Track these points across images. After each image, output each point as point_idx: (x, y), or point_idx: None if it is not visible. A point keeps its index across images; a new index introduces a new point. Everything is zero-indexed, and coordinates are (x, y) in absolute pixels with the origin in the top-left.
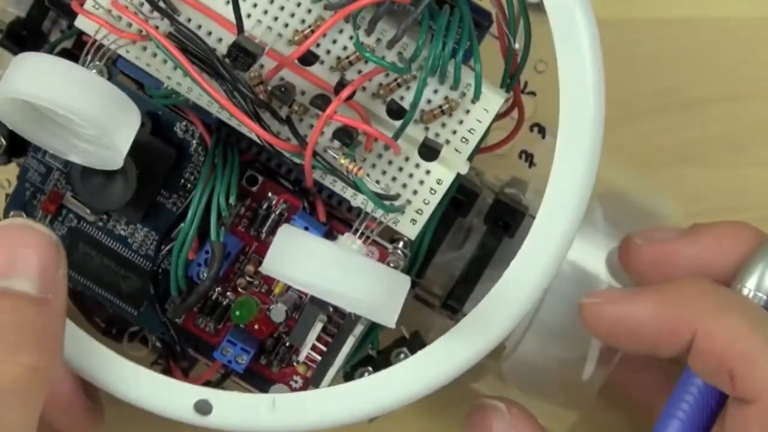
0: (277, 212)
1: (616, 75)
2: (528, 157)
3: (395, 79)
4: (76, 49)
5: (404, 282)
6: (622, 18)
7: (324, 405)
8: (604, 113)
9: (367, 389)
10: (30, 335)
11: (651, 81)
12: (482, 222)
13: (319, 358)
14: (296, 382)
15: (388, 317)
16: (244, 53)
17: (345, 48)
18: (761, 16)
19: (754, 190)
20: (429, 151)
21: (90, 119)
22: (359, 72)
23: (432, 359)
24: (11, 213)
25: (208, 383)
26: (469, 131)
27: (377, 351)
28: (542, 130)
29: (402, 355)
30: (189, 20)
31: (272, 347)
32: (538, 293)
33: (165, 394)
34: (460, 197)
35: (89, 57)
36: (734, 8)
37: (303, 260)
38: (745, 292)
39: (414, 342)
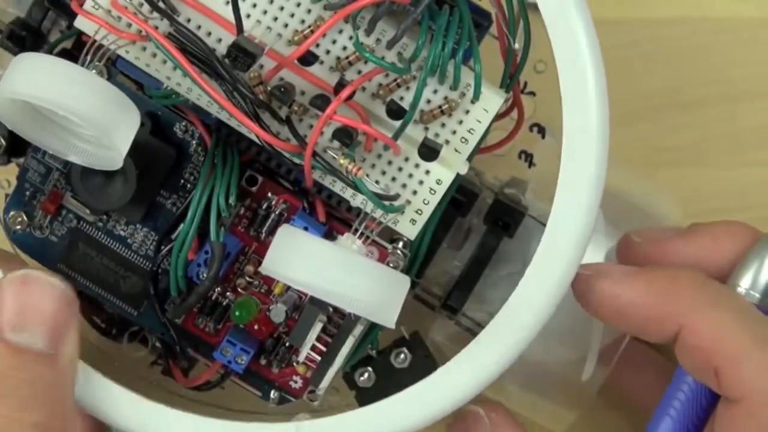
0: (277, 212)
1: (615, 75)
2: (528, 157)
3: (395, 80)
4: (76, 50)
5: (404, 282)
6: (621, 18)
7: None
8: (608, 115)
9: (390, 409)
10: (38, 392)
11: (650, 81)
12: (482, 222)
13: (318, 358)
14: (296, 382)
15: (388, 317)
16: (243, 53)
17: (345, 48)
18: (760, 16)
19: (754, 191)
20: (429, 152)
21: (90, 120)
22: (359, 72)
23: (454, 377)
24: (11, 213)
25: (208, 383)
26: (469, 131)
27: (377, 351)
28: (542, 130)
29: (402, 356)
30: (188, 20)
31: (272, 347)
32: (553, 306)
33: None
34: (459, 197)
35: (89, 57)
36: (733, 8)
37: (302, 260)
38: (739, 290)
39: (413, 342)
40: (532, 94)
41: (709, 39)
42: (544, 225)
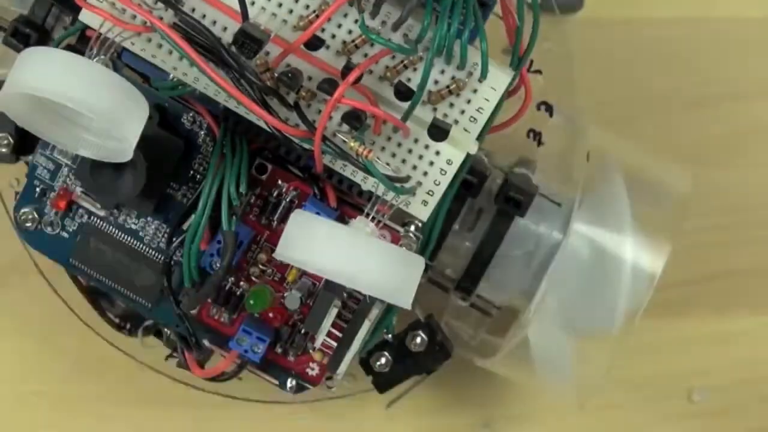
0: (288, 199)
1: (615, 75)
2: (536, 136)
3: (401, 61)
4: (80, 45)
5: (419, 263)
6: (622, 18)
7: None
8: None
9: None
10: None
11: (650, 81)
12: (493, 202)
13: (334, 344)
14: (313, 369)
15: (404, 299)
16: (250, 40)
17: (350, 32)
18: (761, 16)
19: (754, 191)
20: (438, 132)
21: (100, 112)
22: (365, 55)
23: None
24: (22, 210)
25: (223, 374)
26: (478, 110)
27: (393, 335)
28: (550, 109)
29: (418, 339)
30: (193, 10)
31: (287, 335)
32: None
33: None
34: (470, 178)
35: (94, 51)
36: (733, 8)
37: (317, 244)
38: None
39: (429, 325)
40: (539, 72)
41: (709, 39)
42: (556, 204)
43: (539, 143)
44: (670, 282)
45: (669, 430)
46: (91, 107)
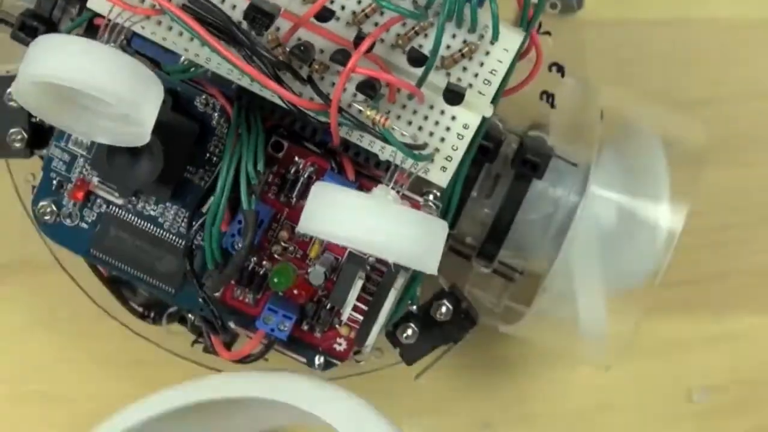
0: (306, 175)
1: (614, 75)
2: (549, 98)
3: (412, 28)
4: (88, 36)
5: (442, 227)
6: (621, 18)
7: None
8: None
9: None
10: None
11: (649, 82)
12: (509, 167)
13: (360, 317)
14: (340, 344)
15: (430, 264)
16: (261, 14)
17: (359, 1)
18: (760, 16)
19: (752, 191)
20: (453, 96)
21: (122, 98)
22: (375, 24)
23: None
24: (39, 204)
25: (249, 356)
26: (491, 72)
27: (417, 307)
28: (561, 69)
29: (443, 308)
30: None
31: (313, 312)
32: None
33: None
34: (485, 143)
35: (104, 38)
36: (733, 8)
37: (340, 214)
38: None
39: (453, 294)
40: (548, 33)
41: (709, 39)
42: (572, 164)
43: (552, 105)
44: (670, 282)
45: (669, 430)
46: (113, 94)
